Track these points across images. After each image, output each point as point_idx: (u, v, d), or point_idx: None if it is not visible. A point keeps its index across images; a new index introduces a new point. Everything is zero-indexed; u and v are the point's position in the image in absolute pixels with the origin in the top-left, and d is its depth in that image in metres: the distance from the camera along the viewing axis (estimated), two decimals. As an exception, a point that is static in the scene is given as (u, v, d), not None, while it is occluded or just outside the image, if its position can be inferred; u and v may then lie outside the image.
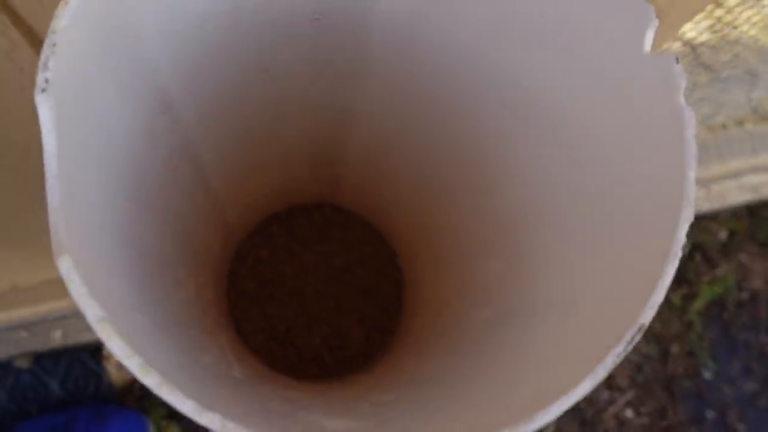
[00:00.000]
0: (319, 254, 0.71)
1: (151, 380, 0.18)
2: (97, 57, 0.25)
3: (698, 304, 1.14)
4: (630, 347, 0.19)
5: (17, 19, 0.39)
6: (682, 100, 0.20)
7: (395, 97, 0.43)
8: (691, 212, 0.20)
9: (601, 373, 0.19)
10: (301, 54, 0.38)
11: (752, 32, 0.92)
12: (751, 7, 0.79)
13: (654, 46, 0.63)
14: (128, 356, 0.18)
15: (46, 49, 0.20)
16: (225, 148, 0.45)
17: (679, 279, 1.14)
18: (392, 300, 0.70)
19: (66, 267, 0.19)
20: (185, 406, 0.19)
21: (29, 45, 0.41)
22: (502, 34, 0.31)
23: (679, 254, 0.20)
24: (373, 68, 0.40)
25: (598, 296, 0.25)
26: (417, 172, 0.51)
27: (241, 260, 0.70)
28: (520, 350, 0.31)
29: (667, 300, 1.13)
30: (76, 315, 0.97)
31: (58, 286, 0.94)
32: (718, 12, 0.85)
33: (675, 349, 1.13)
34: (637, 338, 0.19)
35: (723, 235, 1.18)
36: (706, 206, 1.10)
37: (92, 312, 0.18)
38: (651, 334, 1.11)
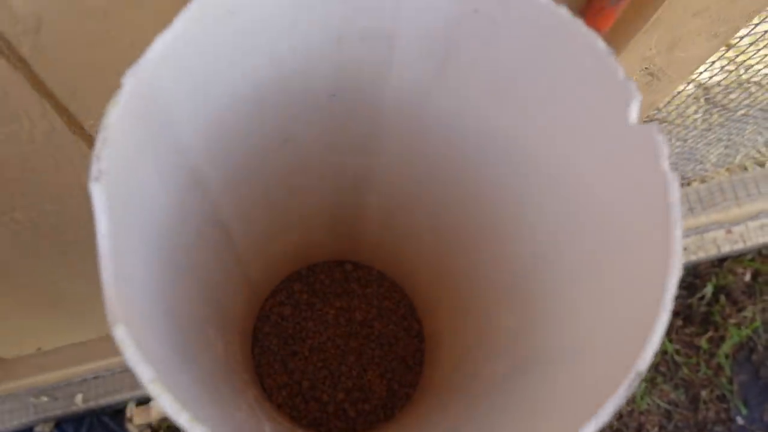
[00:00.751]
0: (340, 309, 0.73)
1: (198, 433, 0.21)
2: (139, 142, 0.28)
3: (726, 347, 1.12)
4: (630, 392, 0.21)
5: (57, 104, 0.42)
6: (665, 166, 0.23)
7: (409, 160, 0.45)
8: (679, 266, 0.22)
9: (603, 417, 0.21)
10: (318, 125, 0.40)
11: (766, 71, 0.94)
12: (765, 46, 0.81)
13: (656, 101, 0.65)
14: (177, 411, 0.20)
15: (98, 142, 0.23)
16: (249, 213, 0.47)
17: (705, 322, 1.13)
18: (413, 352, 0.71)
19: (121, 335, 0.21)
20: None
21: (67, 125, 0.44)
22: (504, 103, 0.34)
23: (671, 305, 0.22)
24: (386, 135, 0.43)
25: (601, 347, 0.27)
26: (432, 228, 0.53)
27: (265, 318, 0.71)
28: (529, 400, 0.32)
29: (694, 344, 1.12)
30: (96, 378, 0.99)
31: (81, 350, 0.96)
32: (731, 53, 0.87)
33: (705, 394, 1.11)
34: (635, 384, 0.21)
35: (747, 276, 1.17)
36: (728, 248, 1.10)
37: (146, 374, 0.21)
38: (679, 380, 1.09)
